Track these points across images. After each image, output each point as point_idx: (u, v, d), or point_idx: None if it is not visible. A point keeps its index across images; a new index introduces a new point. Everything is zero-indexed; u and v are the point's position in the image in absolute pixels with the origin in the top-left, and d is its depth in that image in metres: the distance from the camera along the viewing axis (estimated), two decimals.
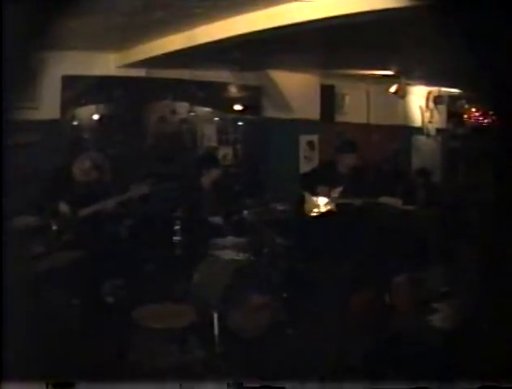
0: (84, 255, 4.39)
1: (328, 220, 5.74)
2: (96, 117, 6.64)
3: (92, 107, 6.62)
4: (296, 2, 4.07)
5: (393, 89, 8.02)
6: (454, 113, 11.21)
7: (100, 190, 5.09)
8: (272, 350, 4.35)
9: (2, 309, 2.00)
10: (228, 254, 5.01)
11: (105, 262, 4.76)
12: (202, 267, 4.86)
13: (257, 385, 2.72)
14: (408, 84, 8.57)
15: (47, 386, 2.33)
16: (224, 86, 7.82)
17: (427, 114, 10.64)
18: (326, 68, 8.04)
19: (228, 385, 2.78)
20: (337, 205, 5.76)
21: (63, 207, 4.79)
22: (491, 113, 9.73)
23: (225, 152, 7.89)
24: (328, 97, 8.94)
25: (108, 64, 6.55)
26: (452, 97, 10.99)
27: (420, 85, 9.85)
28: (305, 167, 8.33)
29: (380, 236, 5.98)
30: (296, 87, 8.32)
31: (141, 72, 6.83)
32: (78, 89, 6.33)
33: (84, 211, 4.86)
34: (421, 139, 10.63)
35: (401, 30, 4.68)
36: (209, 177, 5.64)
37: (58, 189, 4.94)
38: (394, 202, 5.69)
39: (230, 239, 5.35)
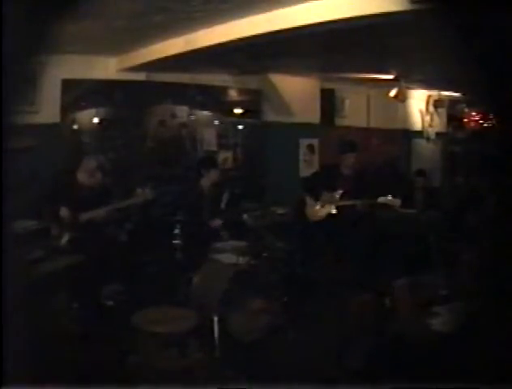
0: (85, 259, 4.39)
1: (328, 224, 5.74)
2: (96, 120, 6.64)
3: (92, 111, 6.62)
4: (296, 6, 4.07)
5: (393, 93, 8.02)
6: (454, 116, 11.22)
7: (102, 194, 5.10)
8: (273, 354, 4.34)
9: (2, 312, 2.00)
10: (229, 258, 5.00)
11: (105, 266, 4.76)
12: (202, 271, 4.85)
13: None
14: (408, 88, 8.58)
15: None
16: (224, 90, 7.83)
17: (427, 118, 10.64)
18: (326, 72, 8.05)
19: None
20: (337, 208, 5.77)
21: (65, 211, 4.79)
22: (491, 116, 9.74)
23: (225, 156, 7.89)
24: (328, 101, 8.96)
25: (108, 68, 6.55)
26: (452, 101, 11.01)
27: (420, 89, 9.87)
28: (305, 170, 8.35)
29: (380, 239, 5.98)
30: (296, 90, 8.34)
31: (141, 76, 6.83)
32: (79, 93, 6.33)
33: (86, 216, 4.86)
34: (421, 143, 10.64)
35: (401, 34, 4.68)
36: (208, 179, 5.64)
37: (59, 193, 4.94)
38: (392, 202, 5.71)
39: (230, 243, 5.34)
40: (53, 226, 4.72)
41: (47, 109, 6.05)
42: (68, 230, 4.76)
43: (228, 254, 5.08)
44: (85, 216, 4.86)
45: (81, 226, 4.82)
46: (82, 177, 5.04)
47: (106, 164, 5.51)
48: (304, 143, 8.66)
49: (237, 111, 7.96)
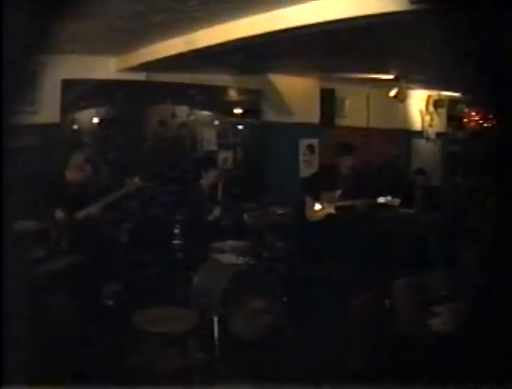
0: (83, 259, 4.39)
1: (328, 224, 5.74)
2: (95, 120, 6.64)
3: (92, 111, 6.62)
4: (296, 6, 4.07)
5: (393, 93, 8.02)
6: (454, 116, 11.22)
7: (99, 194, 5.09)
8: (272, 354, 4.34)
9: (2, 312, 2.00)
10: (228, 258, 5.00)
11: (104, 266, 4.75)
12: (201, 271, 4.85)
13: None
14: (408, 88, 8.57)
15: None
16: (223, 90, 7.83)
17: (427, 118, 10.64)
18: (325, 72, 8.04)
19: None
20: (337, 209, 5.76)
21: (63, 211, 4.78)
22: (491, 116, 9.74)
23: (225, 156, 7.89)
24: (328, 101, 8.96)
25: (108, 68, 6.55)
26: (452, 101, 11.00)
27: (420, 89, 9.87)
28: (304, 171, 8.34)
29: (380, 239, 5.98)
30: (296, 90, 8.33)
31: (141, 76, 6.83)
32: (78, 93, 6.33)
33: (83, 214, 4.84)
34: (421, 143, 10.64)
35: (401, 34, 4.68)
36: (208, 179, 5.63)
37: (58, 192, 4.93)
38: (392, 201, 5.71)
39: (230, 243, 5.34)
40: (50, 226, 4.70)
41: (47, 109, 6.05)
42: (65, 229, 4.73)
43: (228, 254, 5.08)
44: (79, 214, 4.82)
45: (77, 224, 4.80)
46: (71, 173, 4.98)
47: (95, 158, 5.47)
48: (304, 143, 8.66)
49: (237, 111, 7.96)
